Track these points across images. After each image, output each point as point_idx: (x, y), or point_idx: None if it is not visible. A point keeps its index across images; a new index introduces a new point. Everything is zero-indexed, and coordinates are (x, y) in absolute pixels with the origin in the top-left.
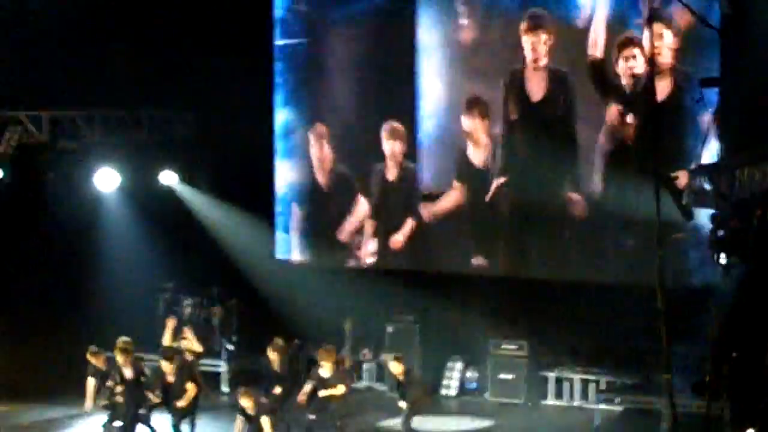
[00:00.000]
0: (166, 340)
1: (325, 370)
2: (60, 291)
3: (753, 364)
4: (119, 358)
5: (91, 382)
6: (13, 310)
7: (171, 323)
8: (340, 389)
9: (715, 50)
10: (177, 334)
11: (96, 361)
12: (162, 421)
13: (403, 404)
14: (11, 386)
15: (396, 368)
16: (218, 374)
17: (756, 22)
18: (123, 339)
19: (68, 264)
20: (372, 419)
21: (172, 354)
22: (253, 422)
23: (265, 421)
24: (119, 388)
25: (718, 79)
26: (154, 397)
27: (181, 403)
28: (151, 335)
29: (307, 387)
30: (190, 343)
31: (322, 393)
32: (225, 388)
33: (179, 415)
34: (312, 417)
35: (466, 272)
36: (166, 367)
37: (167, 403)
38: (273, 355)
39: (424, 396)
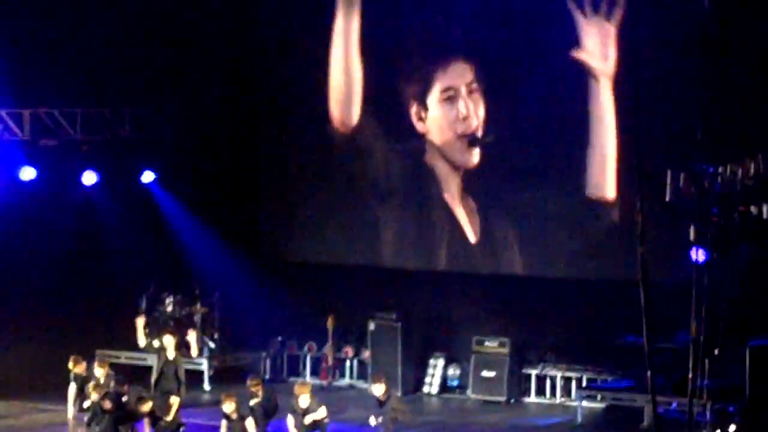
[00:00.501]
0: (141, 339)
1: (303, 400)
2: (42, 289)
3: (734, 361)
4: (94, 395)
5: (72, 388)
6: None
7: (140, 322)
8: (322, 412)
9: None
10: (153, 332)
11: (77, 368)
12: None
13: (372, 420)
14: None
15: (378, 390)
16: (200, 372)
17: (737, 22)
18: (96, 368)
19: (49, 263)
20: (354, 417)
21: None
22: (237, 426)
23: (249, 423)
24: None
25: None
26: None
27: (167, 418)
28: (133, 333)
29: (292, 421)
30: (172, 339)
31: (307, 420)
32: (207, 386)
33: (165, 430)
34: None
35: (448, 269)
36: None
37: (153, 421)
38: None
39: (404, 409)
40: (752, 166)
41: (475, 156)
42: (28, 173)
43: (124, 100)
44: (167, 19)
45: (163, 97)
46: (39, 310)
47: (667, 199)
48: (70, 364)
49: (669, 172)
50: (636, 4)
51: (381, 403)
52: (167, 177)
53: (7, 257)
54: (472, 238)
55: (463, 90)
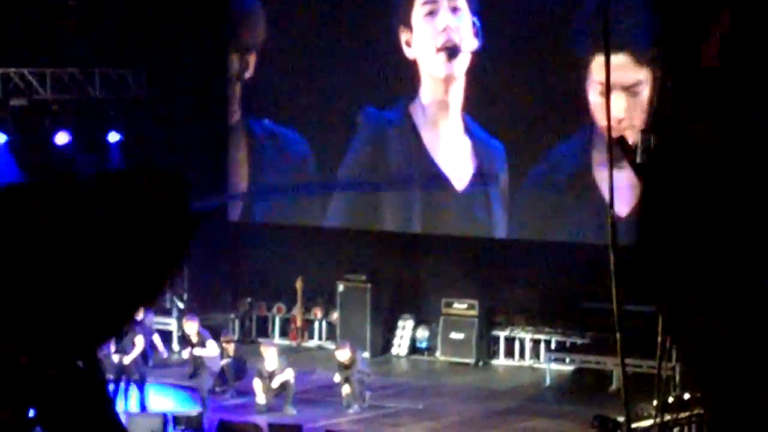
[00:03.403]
0: None
1: (270, 362)
2: None
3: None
4: None
5: None
6: None
7: None
8: (288, 374)
9: None
10: None
11: None
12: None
13: (337, 377)
14: None
15: (342, 356)
16: (169, 332)
17: None
18: None
19: None
20: (323, 379)
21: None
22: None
23: (211, 343)
24: None
25: (671, 37)
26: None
27: (126, 359)
28: None
29: (259, 384)
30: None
31: (274, 383)
32: (176, 347)
33: (120, 370)
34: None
35: (417, 231)
36: None
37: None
38: (227, 345)
39: (369, 372)
40: None
41: (457, 69)
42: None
43: (94, 60)
44: None
45: (133, 57)
46: None
47: (638, 161)
48: None
49: (639, 134)
50: None
51: (346, 368)
52: (136, 138)
53: None
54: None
55: (445, 3)
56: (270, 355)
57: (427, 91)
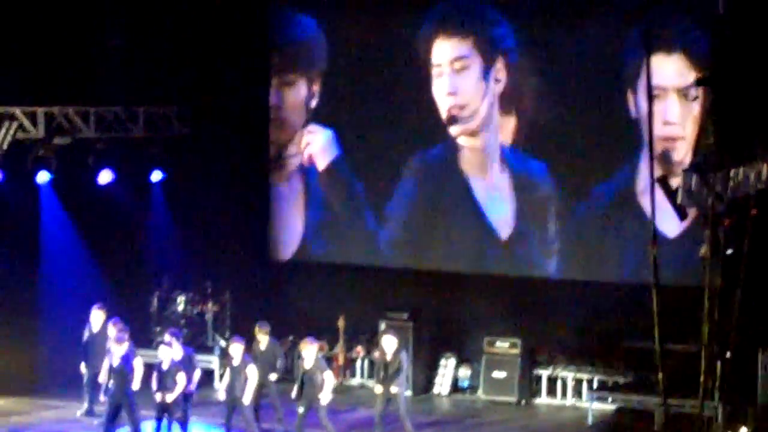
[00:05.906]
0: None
1: (308, 360)
2: (55, 288)
3: (745, 364)
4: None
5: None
6: (9, 305)
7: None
8: (328, 376)
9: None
10: (164, 330)
11: (95, 320)
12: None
13: (379, 389)
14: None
15: (390, 343)
16: (211, 371)
17: (748, 21)
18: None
19: (60, 259)
20: (365, 417)
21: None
22: (238, 372)
23: (252, 370)
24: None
25: (713, 77)
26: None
27: (169, 397)
28: (145, 331)
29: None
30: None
31: (326, 385)
32: (218, 385)
33: (162, 408)
34: (301, 410)
35: (460, 270)
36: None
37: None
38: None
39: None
40: (765, 168)
41: (460, 138)
42: (43, 176)
43: (138, 98)
44: (181, 19)
45: (177, 96)
46: (50, 307)
47: (679, 201)
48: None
49: (681, 174)
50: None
51: (386, 365)
52: (180, 176)
53: (20, 256)
54: (503, 234)
55: (448, 68)
56: (309, 353)
57: (460, 137)
